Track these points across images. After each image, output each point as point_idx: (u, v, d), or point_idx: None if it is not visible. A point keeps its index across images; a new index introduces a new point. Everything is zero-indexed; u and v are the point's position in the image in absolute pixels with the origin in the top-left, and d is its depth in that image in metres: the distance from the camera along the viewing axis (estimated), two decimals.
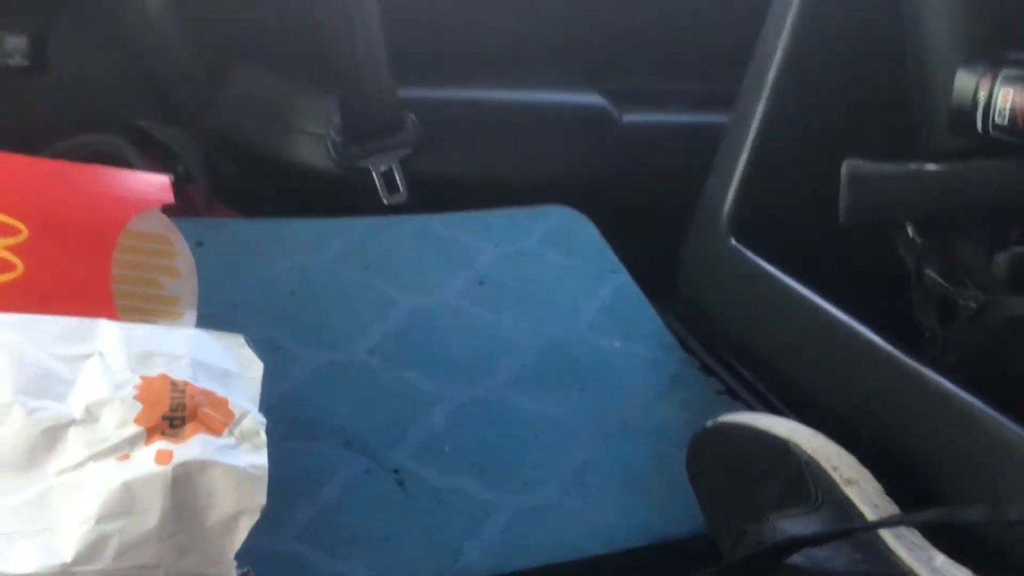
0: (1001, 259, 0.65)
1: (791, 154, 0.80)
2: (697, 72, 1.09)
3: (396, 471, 0.66)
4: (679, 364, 0.80)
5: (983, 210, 0.67)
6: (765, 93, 0.81)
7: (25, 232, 0.60)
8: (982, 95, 0.66)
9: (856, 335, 0.67)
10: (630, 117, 1.02)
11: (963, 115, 0.67)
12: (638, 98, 1.06)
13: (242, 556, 0.50)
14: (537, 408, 0.73)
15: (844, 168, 0.66)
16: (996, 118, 0.65)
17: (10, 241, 0.60)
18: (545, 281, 0.84)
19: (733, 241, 0.80)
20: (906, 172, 0.67)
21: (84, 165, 0.70)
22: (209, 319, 0.64)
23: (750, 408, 0.76)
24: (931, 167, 0.67)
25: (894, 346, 0.64)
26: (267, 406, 0.56)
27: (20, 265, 0.59)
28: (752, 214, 0.80)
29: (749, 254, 0.78)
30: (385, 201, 0.94)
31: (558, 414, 0.73)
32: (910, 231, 0.68)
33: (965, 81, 0.67)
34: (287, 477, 0.53)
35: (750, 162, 0.81)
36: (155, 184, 0.69)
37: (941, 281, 0.66)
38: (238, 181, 0.99)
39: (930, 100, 0.72)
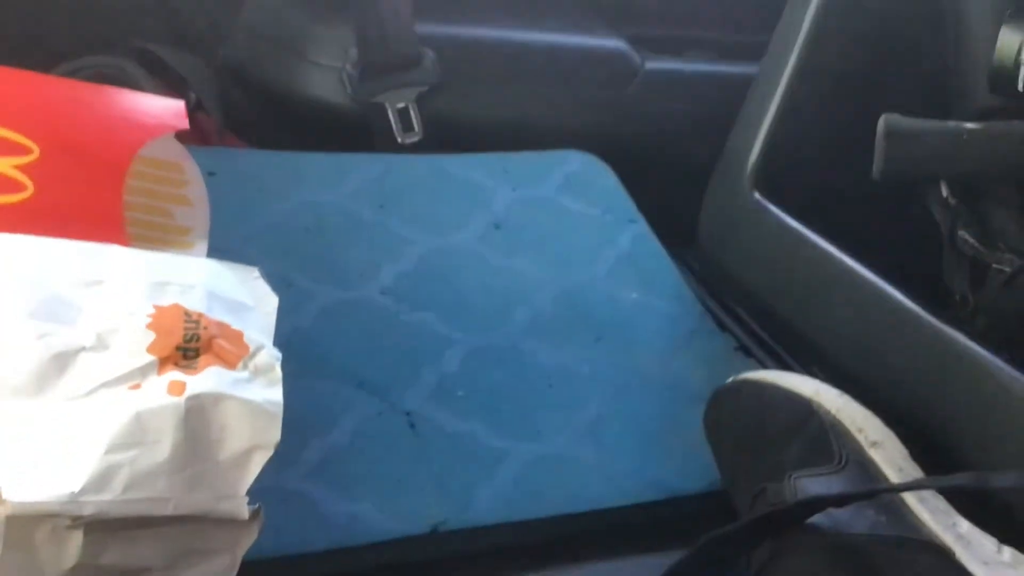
0: None
1: (822, 107, 0.79)
2: (722, 21, 1.07)
3: (408, 414, 0.65)
4: (696, 318, 0.79)
5: (1020, 172, 0.66)
6: (798, 44, 0.79)
7: (36, 151, 0.58)
8: None
9: (884, 296, 0.65)
10: (652, 64, 1.00)
11: (1004, 74, 0.65)
12: (661, 45, 1.04)
13: (252, 493, 0.49)
14: (552, 357, 0.72)
15: (881, 123, 0.64)
16: None
17: (20, 160, 0.58)
18: (562, 228, 0.83)
19: (756, 195, 0.79)
20: (944, 130, 0.65)
21: (97, 85, 0.67)
22: (220, 252, 0.62)
23: (764, 366, 0.74)
24: (970, 126, 0.65)
25: (923, 308, 0.63)
26: (278, 343, 0.55)
27: (30, 186, 0.57)
28: (777, 168, 0.79)
29: (773, 208, 0.77)
30: (400, 139, 0.92)
31: (573, 364, 0.72)
32: (944, 191, 0.66)
33: (1009, 39, 0.65)
34: (297, 415, 0.51)
35: (778, 114, 0.79)
36: (169, 108, 0.67)
37: (974, 243, 0.65)
38: (249, 113, 0.97)
39: (969, 57, 0.70)
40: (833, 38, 0.80)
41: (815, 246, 0.72)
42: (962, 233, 0.65)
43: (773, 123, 0.79)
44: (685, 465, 0.66)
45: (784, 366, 0.74)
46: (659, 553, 0.58)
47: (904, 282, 0.66)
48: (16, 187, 0.57)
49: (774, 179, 0.79)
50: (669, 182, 0.89)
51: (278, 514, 0.50)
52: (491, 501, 0.61)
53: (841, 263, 0.70)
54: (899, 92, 0.75)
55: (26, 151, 0.58)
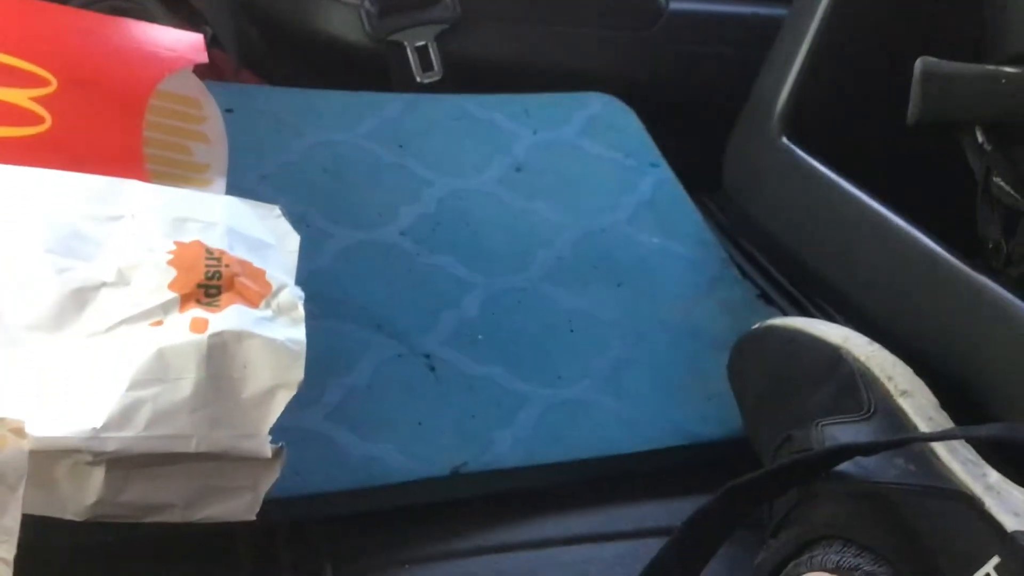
0: None
1: (854, 51, 0.77)
2: None
3: (428, 356, 0.64)
4: (718, 264, 0.78)
5: None
6: None
7: (55, 83, 0.57)
8: None
9: (915, 243, 0.64)
10: (677, 5, 0.98)
11: None
12: None
13: (273, 432, 0.48)
14: (573, 302, 0.71)
15: (918, 66, 0.62)
16: None
17: (38, 92, 0.57)
18: (584, 172, 0.81)
19: (785, 139, 0.77)
20: (982, 74, 0.63)
21: (114, 18, 0.66)
22: (238, 190, 0.62)
23: (786, 314, 0.73)
24: (1008, 70, 0.63)
25: (955, 256, 0.62)
26: (297, 283, 0.54)
27: (49, 118, 0.56)
28: (807, 112, 0.77)
29: (801, 153, 0.75)
30: (419, 79, 0.90)
31: (594, 309, 0.71)
32: (979, 137, 0.65)
33: None
34: (316, 356, 0.51)
35: (809, 57, 0.77)
36: (187, 42, 0.65)
37: (1009, 190, 0.63)
38: (265, 49, 0.95)
39: (1008, 1, 0.68)
40: None
41: (844, 192, 0.70)
42: (996, 180, 0.64)
43: (803, 66, 0.77)
44: (706, 411, 0.66)
45: (807, 315, 0.73)
46: (678, 499, 0.58)
47: (936, 229, 0.65)
48: (34, 119, 0.56)
49: (803, 124, 0.77)
50: (693, 126, 0.87)
51: (299, 454, 0.50)
52: (511, 444, 0.61)
53: (871, 210, 0.68)
54: (934, 36, 0.73)
55: (44, 83, 0.57)
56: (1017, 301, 0.57)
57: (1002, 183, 0.63)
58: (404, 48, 0.90)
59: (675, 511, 0.53)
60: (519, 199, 0.77)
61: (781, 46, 0.79)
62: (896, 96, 0.66)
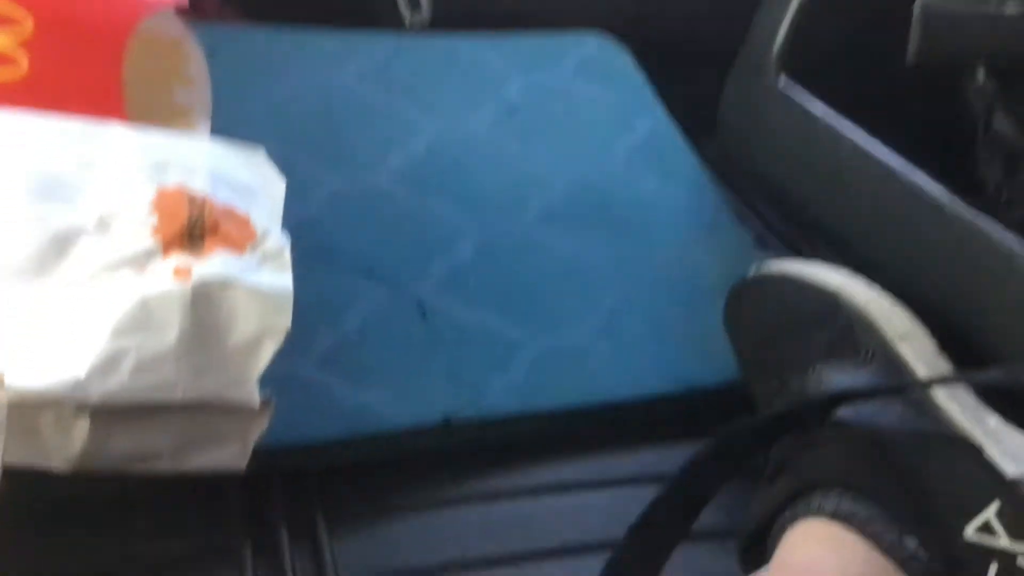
0: None
1: None
2: None
3: (419, 303, 0.63)
4: (714, 208, 0.76)
5: None
6: None
7: (30, 23, 0.55)
8: None
9: (914, 185, 0.63)
10: None
11: None
12: None
13: (261, 381, 0.48)
14: (567, 247, 0.70)
15: (918, 4, 0.60)
16: None
17: (14, 33, 0.55)
18: (578, 114, 0.80)
19: (783, 79, 0.75)
20: (983, 12, 0.61)
21: None
22: (221, 134, 0.60)
23: (782, 257, 0.72)
24: (1011, 8, 0.61)
25: (955, 198, 0.61)
26: (284, 230, 0.53)
27: (25, 61, 0.54)
28: (806, 51, 0.75)
29: (800, 94, 0.74)
30: (406, 21, 0.88)
31: (589, 255, 0.70)
32: (981, 76, 0.63)
33: None
34: (306, 303, 0.50)
35: None
36: None
37: (1011, 131, 0.62)
38: None
39: None
40: None
41: (843, 134, 0.69)
42: (998, 121, 0.63)
43: (801, 4, 0.75)
44: (702, 357, 0.65)
45: (805, 258, 0.72)
46: (675, 445, 0.57)
47: (938, 171, 0.64)
48: (10, 62, 0.54)
49: (801, 63, 0.75)
50: (689, 67, 0.85)
51: (288, 402, 0.49)
52: (504, 392, 0.60)
53: (871, 152, 0.67)
54: None
55: (19, 21, 0.55)
56: (1018, 243, 0.56)
57: (1003, 123, 0.62)
58: None
59: (671, 458, 0.53)
60: (512, 142, 0.76)
61: None
62: (896, 35, 0.64)
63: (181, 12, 0.64)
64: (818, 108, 0.71)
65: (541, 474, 0.58)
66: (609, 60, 0.84)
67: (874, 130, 0.69)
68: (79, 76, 0.57)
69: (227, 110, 0.65)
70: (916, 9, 0.62)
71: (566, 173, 0.74)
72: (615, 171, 0.76)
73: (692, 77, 0.84)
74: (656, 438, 0.61)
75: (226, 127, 0.62)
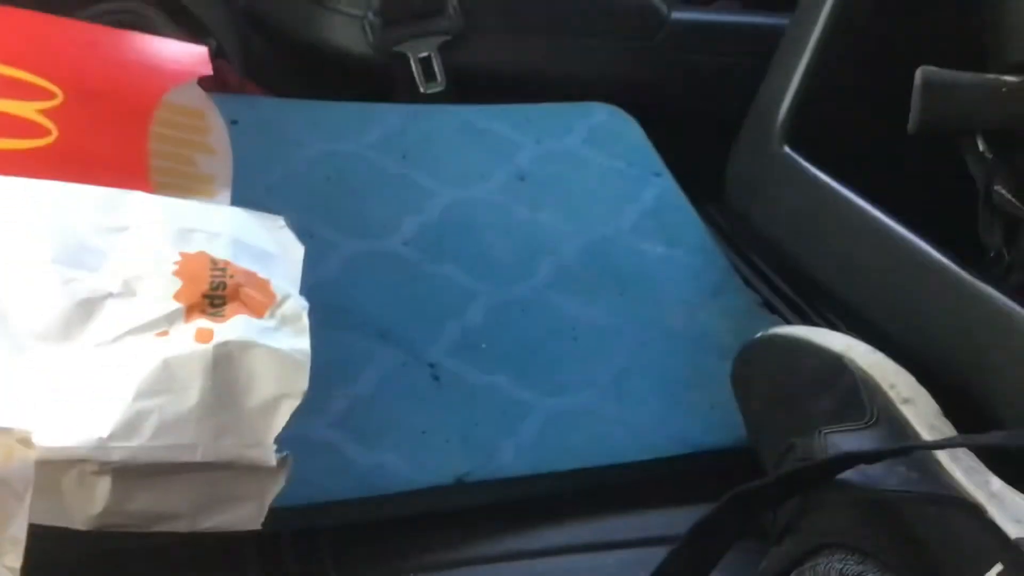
0: None
1: (855, 60, 0.77)
2: None
3: (432, 365, 0.65)
4: (721, 272, 0.78)
5: None
6: None
7: (60, 96, 0.58)
8: None
9: (917, 251, 0.64)
10: (679, 15, 0.98)
11: None
12: None
13: (278, 441, 0.49)
14: (576, 311, 0.71)
15: (918, 75, 0.62)
16: None
17: (44, 105, 0.57)
18: (587, 181, 0.82)
19: (787, 148, 0.77)
20: (982, 83, 0.63)
21: (119, 31, 0.67)
22: (242, 201, 0.62)
23: (787, 322, 0.74)
24: (1009, 79, 0.63)
25: (956, 264, 0.62)
26: (301, 293, 0.54)
27: (55, 130, 0.56)
28: (809, 121, 0.77)
29: (803, 162, 0.75)
30: (422, 89, 0.90)
31: (598, 318, 0.71)
32: (980, 145, 0.65)
33: None
34: (321, 365, 0.51)
35: (810, 66, 0.77)
36: (192, 54, 0.66)
37: (1010, 198, 0.63)
38: (270, 61, 0.96)
39: (1007, 9, 0.69)
40: None
41: (846, 201, 0.71)
42: (998, 188, 0.64)
43: (805, 75, 0.77)
44: (710, 420, 0.66)
45: (809, 323, 0.73)
46: (683, 507, 0.58)
47: (939, 237, 0.65)
48: (40, 132, 0.57)
49: (805, 133, 0.77)
50: (696, 135, 0.87)
51: (304, 463, 0.50)
52: (515, 453, 0.61)
53: (873, 218, 0.68)
54: (935, 45, 0.73)
55: (50, 96, 0.58)
56: (1019, 308, 0.58)
57: (1003, 191, 0.64)
58: (407, 59, 0.90)
59: (679, 520, 0.53)
60: (522, 208, 0.78)
61: (782, 55, 0.80)
62: (898, 105, 0.66)
63: (204, 83, 0.67)
64: (821, 176, 0.73)
65: (552, 535, 0.59)
66: (617, 129, 0.86)
67: (877, 197, 0.71)
68: (106, 145, 0.59)
69: (249, 178, 0.67)
70: (917, 79, 0.64)
71: (575, 238, 0.76)
72: (623, 236, 0.78)
73: (699, 145, 0.86)
74: (665, 500, 0.62)
75: (248, 194, 0.64)
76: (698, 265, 0.78)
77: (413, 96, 0.90)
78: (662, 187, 0.82)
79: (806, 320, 0.75)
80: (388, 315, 0.67)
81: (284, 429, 0.49)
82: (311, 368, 0.50)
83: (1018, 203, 0.63)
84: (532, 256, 0.74)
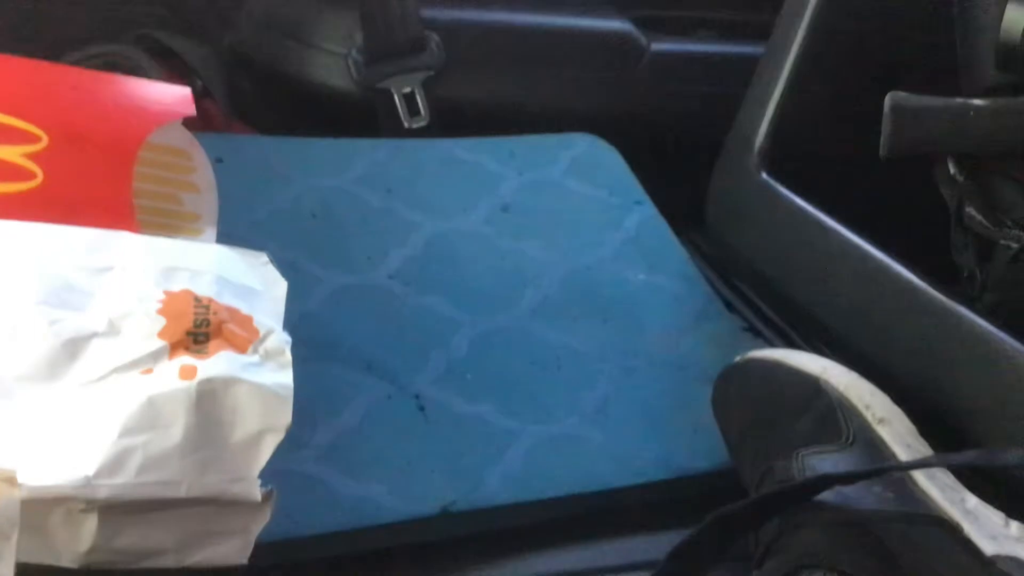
0: None
1: (829, 86, 0.78)
2: (729, 0, 1.07)
3: (417, 396, 0.65)
4: (704, 298, 0.79)
5: None
6: (803, 23, 0.79)
7: (45, 140, 0.59)
8: None
9: (891, 273, 0.65)
10: (658, 46, 1.00)
11: (1011, 50, 0.65)
12: (667, 25, 1.03)
13: (263, 475, 0.49)
14: (560, 339, 0.72)
15: (887, 100, 0.64)
16: None
17: (30, 149, 0.58)
18: (569, 210, 0.83)
19: (764, 175, 0.79)
20: (951, 107, 0.64)
21: (104, 74, 0.68)
22: (228, 238, 0.63)
23: (772, 346, 0.75)
24: (976, 103, 0.65)
25: (931, 285, 0.63)
26: (286, 327, 0.55)
27: (40, 173, 0.58)
28: (785, 148, 0.79)
29: (780, 188, 0.77)
30: (406, 124, 0.92)
31: (581, 345, 0.72)
32: (951, 168, 0.66)
33: (1015, 15, 0.65)
34: (307, 398, 0.52)
35: (785, 94, 0.78)
36: (176, 96, 0.67)
37: (981, 220, 0.65)
38: (256, 99, 0.98)
39: (976, 34, 0.70)
40: (839, 15, 0.80)
41: (823, 225, 0.72)
42: (969, 210, 0.65)
43: (780, 102, 0.79)
44: (693, 444, 0.66)
45: (792, 346, 0.74)
46: (668, 532, 0.58)
47: (912, 260, 0.66)
48: (26, 175, 0.58)
49: (782, 159, 0.79)
50: (677, 163, 0.89)
51: (289, 496, 0.51)
52: (501, 482, 0.62)
53: (849, 242, 0.70)
54: (908, 70, 0.75)
55: (35, 139, 0.59)
56: (991, 328, 0.58)
57: (974, 212, 0.65)
58: (391, 95, 0.92)
59: (664, 544, 0.54)
60: (506, 239, 0.79)
61: (758, 83, 0.81)
62: (871, 129, 0.67)
63: (190, 123, 0.68)
64: (798, 201, 0.74)
65: (539, 563, 0.60)
66: (599, 158, 0.87)
67: (853, 220, 0.72)
68: (91, 187, 0.60)
69: (234, 214, 0.68)
70: (886, 105, 0.65)
71: (558, 267, 0.77)
72: (606, 264, 0.79)
73: (681, 172, 0.87)
74: (650, 524, 0.62)
75: (234, 230, 0.65)
76: (680, 291, 0.79)
77: (398, 131, 0.92)
78: (643, 215, 0.84)
79: (790, 343, 0.75)
80: (373, 347, 0.68)
81: (270, 462, 0.49)
82: (297, 401, 0.51)
83: (989, 224, 0.64)
84: (516, 286, 0.75)
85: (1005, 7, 0.65)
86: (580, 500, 0.63)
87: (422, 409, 0.65)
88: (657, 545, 0.57)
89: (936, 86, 0.69)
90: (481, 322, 0.71)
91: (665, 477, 0.65)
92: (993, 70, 0.67)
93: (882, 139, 0.64)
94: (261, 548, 0.50)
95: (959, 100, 0.65)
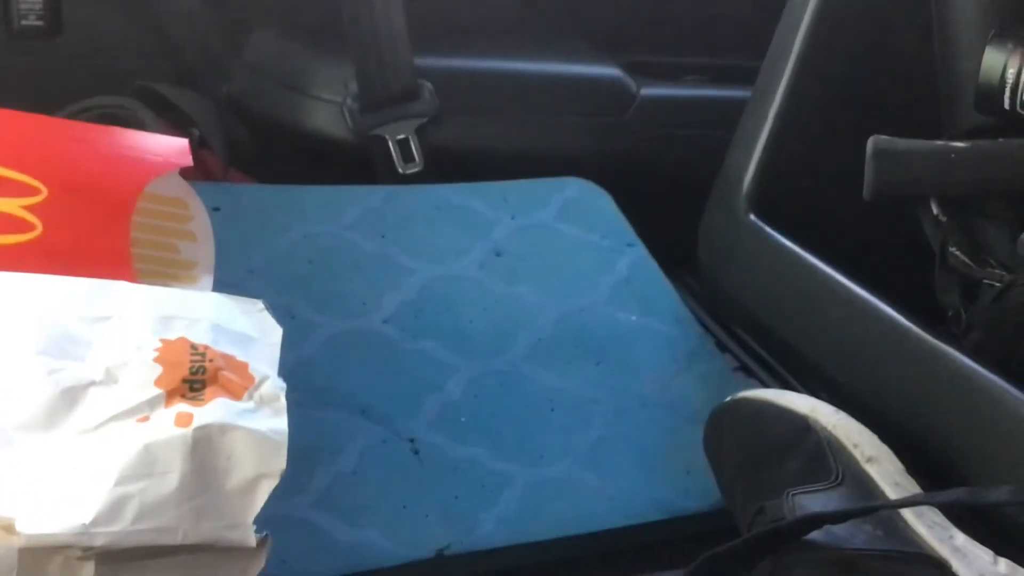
0: None
1: (813, 130, 0.80)
2: (716, 46, 1.09)
3: (412, 440, 0.66)
4: (695, 339, 0.80)
5: (1009, 189, 0.67)
6: (788, 67, 0.80)
7: (44, 192, 0.60)
8: (1011, 72, 0.65)
9: (877, 313, 0.66)
10: (648, 91, 1.01)
11: (990, 93, 0.66)
12: (656, 71, 1.05)
13: (259, 522, 0.50)
14: (553, 381, 0.73)
15: (870, 144, 0.65)
16: None
17: (29, 201, 0.59)
18: (562, 254, 0.84)
19: (752, 216, 0.80)
20: (932, 149, 0.66)
21: (101, 126, 0.69)
22: (225, 285, 0.64)
23: (765, 386, 0.75)
24: (958, 145, 0.66)
25: (916, 325, 0.64)
26: (283, 373, 0.56)
27: (39, 225, 0.59)
28: (772, 190, 0.80)
29: (768, 230, 0.78)
30: (401, 170, 0.93)
31: (574, 388, 0.73)
32: (935, 209, 0.67)
33: (993, 58, 0.66)
34: (303, 444, 0.52)
35: (771, 137, 0.80)
36: (173, 147, 0.68)
37: (965, 260, 0.66)
38: (253, 148, 0.99)
39: (957, 77, 0.72)
40: (824, 60, 0.81)
41: (811, 266, 0.73)
42: (953, 250, 0.66)
43: (767, 145, 0.80)
44: (686, 485, 0.67)
45: (785, 385, 0.75)
46: (662, 573, 0.59)
47: (899, 299, 0.67)
48: (25, 227, 0.59)
49: (769, 201, 0.80)
50: (667, 206, 0.90)
51: (285, 542, 0.51)
52: (495, 524, 0.62)
53: (837, 282, 0.71)
54: (892, 113, 0.76)
55: (34, 192, 0.60)
56: (976, 367, 0.59)
57: (958, 252, 0.66)
58: (386, 141, 0.93)
59: None
60: (499, 283, 0.80)
61: (745, 126, 0.83)
62: (857, 171, 0.68)
63: (188, 173, 0.69)
64: (785, 243, 0.75)
65: None
66: (590, 202, 0.89)
67: (841, 260, 0.73)
68: (89, 237, 0.61)
69: (231, 262, 0.69)
70: (868, 148, 0.66)
71: (551, 310, 0.78)
72: (598, 307, 0.80)
73: (671, 215, 0.88)
74: (644, 565, 0.63)
75: (231, 278, 0.66)
76: (672, 333, 0.79)
77: (393, 177, 0.93)
78: (635, 257, 0.85)
79: (783, 383, 0.76)
80: (369, 392, 0.68)
81: (264, 508, 0.50)
82: (293, 447, 0.51)
83: (972, 264, 0.65)
84: (509, 330, 0.76)
85: (984, 51, 0.67)
86: (574, 542, 0.63)
87: (417, 453, 0.65)
88: None
89: (920, 127, 0.70)
90: (475, 366, 0.72)
91: (659, 518, 0.65)
92: (974, 112, 0.68)
93: (866, 182, 0.65)
94: None
95: (941, 143, 0.67)
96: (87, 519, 0.46)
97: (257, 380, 0.53)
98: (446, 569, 0.60)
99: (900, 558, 0.50)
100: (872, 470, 0.55)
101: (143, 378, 0.51)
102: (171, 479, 0.48)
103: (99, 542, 0.46)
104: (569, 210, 0.87)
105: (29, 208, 0.59)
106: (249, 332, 0.57)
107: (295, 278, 0.75)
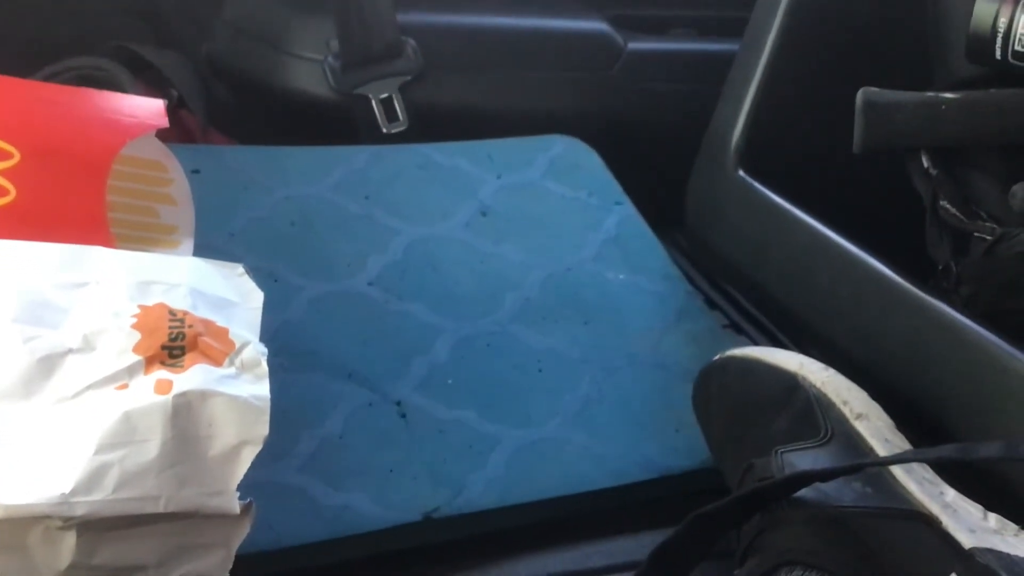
0: (1017, 191, 0.63)
1: (803, 83, 0.79)
2: None
3: (398, 403, 0.65)
4: (684, 297, 0.79)
5: (1000, 140, 0.66)
6: (777, 20, 0.79)
7: (17, 156, 0.58)
8: (1002, 22, 0.64)
9: (867, 268, 0.66)
10: (635, 45, 1.00)
11: (981, 43, 0.65)
12: (644, 25, 1.04)
13: (244, 487, 0.49)
14: (541, 342, 0.72)
15: (859, 97, 0.64)
16: (1016, 46, 0.63)
17: (2, 165, 0.58)
18: (549, 213, 0.83)
19: (741, 172, 0.79)
20: (922, 101, 0.65)
21: (76, 88, 0.67)
22: (206, 249, 0.63)
23: (754, 342, 0.75)
24: (948, 96, 0.65)
25: (907, 280, 0.63)
26: (266, 337, 0.55)
27: (12, 190, 0.57)
28: (761, 145, 0.79)
29: (757, 185, 0.77)
30: (384, 130, 0.92)
31: (562, 348, 0.72)
32: (925, 162, 0.67)
33: (984, 8, 0.65)
34: (288, 408, 0.52)
35: (760, 91, 0.79)
36: (149, 108, 0.66)
37: (956, 213, 0.65)
38: (233, 108, 0.97)
39: (947, 27, 0.70)
40: (813, 11, 0.80)
41: (800, 222, 0.72)
42: (943, 203, 0.66)
43: (755, 100, 0.79)
44: (676, 444, 0.67)
45: (774, 342, 0.75)
46: (651, 532, 0.59)
47: (889, 254, 0.66)
48: None
49: (758, 156, 0.79)
50: (655, 162, 0.89)
51: (272, 507, 0.51)
52: (483, 487, 0.62)
53: (826, 238, 0.70)
54: (882, 65, 0.75)
55: (7, 156, 0.58)
56: (966, 322, 0.59)
57: (948, 206, 0.65)
58: (369, 100, 0.92)
59: (647, 544, 0.54)
60: (486, 243, 0.79)
61: (733, 81, 0.81)
62: (846, 125, 0.68)
63: (167, 134, 0.67)
64: (774, 198, 0.74)
65: (522, 567, 0.60)
66: (577, 160, 0.87)
67: (830, 215, 0.72)
68: (64, 202, 0.60)
69: (212, 225, 0.68)
70: (857, 101, 0.65)
71: (538, 270, 0.77)
72: (586, 266, 0.79)
73: (660, 171, 0.88)
74: (634, 525, 0.62)
75: (212, 241, 0.65)
76: (661, 290, 0.79)
77: (376, 136, 0.92)
78: (623, 215, 0.84)
79: (772, 340, 0.76)
80: (354, 355, 0.68)
81: (251, 474, 0.49)
82: (278, 411, 0.50)
83: (963, 217, 0.64)
84: (496, 290, 0.75)
85: (975, 0, 0.65)
86: (563, 503, 0.63)
87: (404, 416, 0.65)
88: (640, 546, 0.58)
89: (909, 80, 0.69)
90: (462, 327, 0.71)
91: (647, 477, 0.65)
92: (965, 63, 0.67)
93: (855, 135, 0.64)
94: (243, 560, 0.50)
95: (931, 94, 0.66)
96: (67, 488, 0.45)
97: (238, 345, 0.52)
98: (434, 532, 0.60)
99: (890, 515, 0.50)
100: (861, 427, 0.55)
101: (121, 345, 0.50)
102: (152, 447, 0.47)
103: (79, 511, 0.45)
104: (556, 168, 0.86)
105: (2, 173, 0.58)
106: (229, 296, 0.56)
107: (277, 240, 0.74)
